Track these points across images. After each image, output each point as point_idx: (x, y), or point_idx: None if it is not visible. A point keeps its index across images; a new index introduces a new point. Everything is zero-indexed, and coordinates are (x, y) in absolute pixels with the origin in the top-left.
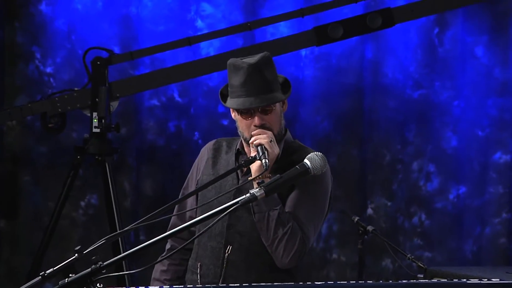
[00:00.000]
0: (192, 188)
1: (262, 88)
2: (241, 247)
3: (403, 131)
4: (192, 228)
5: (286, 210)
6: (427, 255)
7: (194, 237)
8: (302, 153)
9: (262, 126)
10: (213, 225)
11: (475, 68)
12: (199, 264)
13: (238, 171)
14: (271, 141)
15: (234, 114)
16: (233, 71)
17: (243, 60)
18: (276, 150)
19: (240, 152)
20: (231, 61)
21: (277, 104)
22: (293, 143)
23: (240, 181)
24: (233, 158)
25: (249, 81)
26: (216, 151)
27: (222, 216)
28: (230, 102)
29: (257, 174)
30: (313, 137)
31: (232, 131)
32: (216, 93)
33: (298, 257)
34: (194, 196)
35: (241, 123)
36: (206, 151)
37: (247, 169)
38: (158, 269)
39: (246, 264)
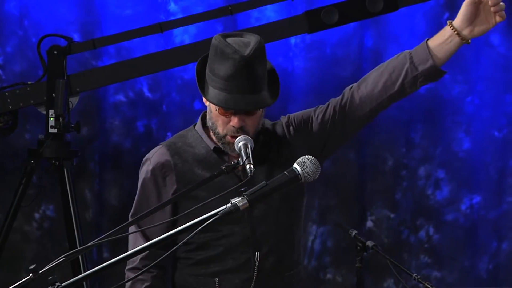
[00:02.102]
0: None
1: (251, 87)
2: (270, 250)
3: (408, 131)
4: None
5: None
6: (436, 275)
7: (173, 248)
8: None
9: (240, 128)
10: (190, 237)
11: (491, 59)
12: (216, 280)
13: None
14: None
15: (206, 100)
16: (219, 56)
17: (234, 46)
18: None
19: (219, 149)
20: (218, 43)
21: None
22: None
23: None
24: (215, 156)
25: (238, 77)
26: (180, 156)
27: (200, 228)
28: (211, 95)
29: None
30: None
31: None
32: (192, 87)
33: None
34: (168, 209)
35: (217, 118)
36: (162, 162)
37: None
38: None
39: (277, 267)
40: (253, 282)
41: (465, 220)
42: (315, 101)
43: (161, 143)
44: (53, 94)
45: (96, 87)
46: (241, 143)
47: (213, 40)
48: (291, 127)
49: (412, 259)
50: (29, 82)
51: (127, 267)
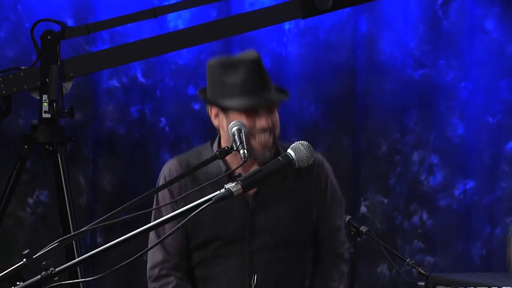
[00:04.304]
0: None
1: (266, 86)
2: (268, 275)
3: (402, 117)
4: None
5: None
6: (429, 260)
7: (155, 243)
8: None
9: (269, 129)
10: (184, 223)
11: (485, 45)
12: None
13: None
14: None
15: (219, 119)
16: (227, 69)
17: (237, 56)
18: None
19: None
20: (219, 60)
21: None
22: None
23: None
24: (225, 179)
25: (254, 79)
26: (191, 177)
27: (195, 213)
28: (233, 104)
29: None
30: (298, 124)
31: (204, 117)
32: (185, 72)
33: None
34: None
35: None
36: (173, 173)
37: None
38: None
39: None
40: None
41: (458, 206)
42: (309, 87)
43: (175, 157)
44: (47, 79)
45: (90, 72)
46: (234, 128)
47: (211, 63)
48: (320, 181)
49: (406, 245)
50: (22, 67)
51: (150, 281)
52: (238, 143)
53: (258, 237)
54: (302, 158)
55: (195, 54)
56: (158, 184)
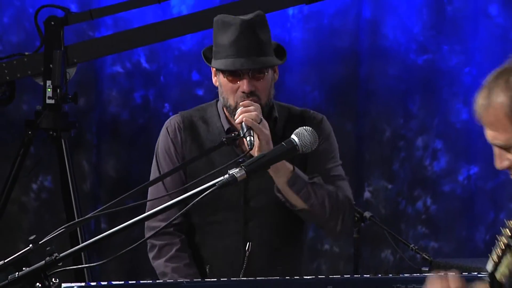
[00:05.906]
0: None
1: (256, 49)
2: (263, 242)
3: (406, 102)
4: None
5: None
6: (433, 245)
7: (167, 223)
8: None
9: (251, 93)
10: (186, 210)
11: (489, 30)
12: (207, 267)
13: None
14: (260, 121)
15: (216, 79)
16: (221, 28)
17: (234, 16)
18: (267, 131)
19: (231, 130)
20: (219, 17)
21: (269, 71)
22: (282, 107)
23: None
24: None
25: (242, 40)
26: (192, 132)
27: (198, 199)
28: (217, 63)
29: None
30: None
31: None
32: (189, 58)
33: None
34: (177, 179)
35: (226, 87)
36: (176, 134)
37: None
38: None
39: (269, 260)
40: (242, 272)
41: (462, 191)
42: (312, 72)
43: (180, 112)
44: (51, 65)
45: (93, 58)
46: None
47: (214, 19)
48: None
49: (410, 230)
50: (26, 53)
51: (150, 233)
52: (245, 130)
53: (253, 201)
54: (306, 143)
55: (199, 40)
56: (160, 137)
